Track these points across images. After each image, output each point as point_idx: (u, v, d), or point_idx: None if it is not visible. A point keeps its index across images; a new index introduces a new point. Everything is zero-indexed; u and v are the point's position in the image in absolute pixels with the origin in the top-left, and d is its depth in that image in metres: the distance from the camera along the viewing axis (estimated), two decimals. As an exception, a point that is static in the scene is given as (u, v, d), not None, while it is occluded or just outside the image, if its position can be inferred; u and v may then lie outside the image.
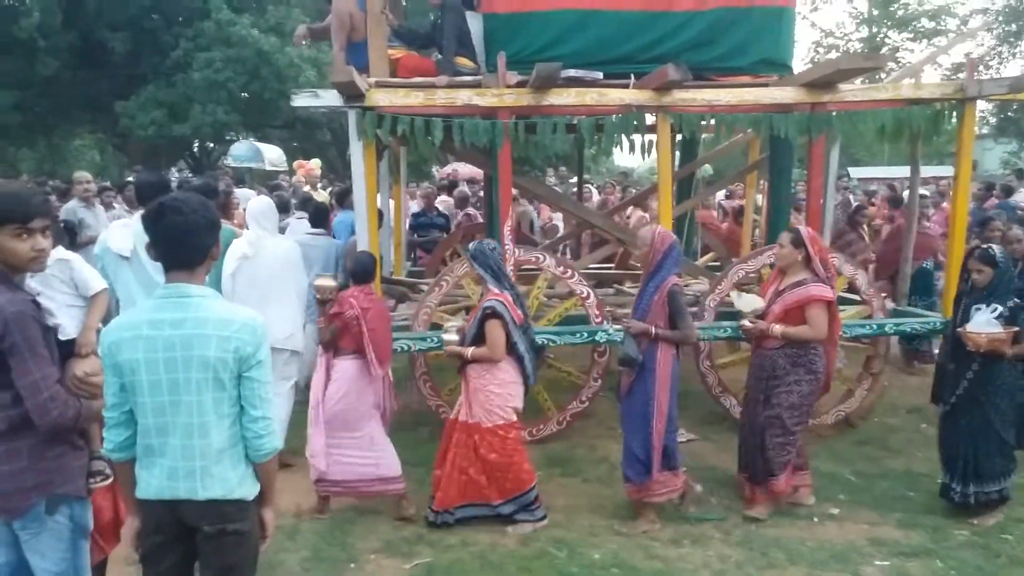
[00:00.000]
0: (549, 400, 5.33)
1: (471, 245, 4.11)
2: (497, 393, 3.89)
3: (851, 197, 11.87)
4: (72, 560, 2.36)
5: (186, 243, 2.12)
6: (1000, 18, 24.67)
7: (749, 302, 4.29)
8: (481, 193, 9.65)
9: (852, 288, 5.47)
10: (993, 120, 27.31)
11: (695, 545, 3.81)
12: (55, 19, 17.43)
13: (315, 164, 14.52)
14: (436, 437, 5.19)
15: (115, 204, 8.00)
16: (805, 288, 4.02)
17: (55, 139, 22.88)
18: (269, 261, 4.50)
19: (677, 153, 7.80)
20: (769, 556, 3.69)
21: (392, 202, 7.53)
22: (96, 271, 3.01)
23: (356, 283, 4.13)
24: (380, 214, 6.13)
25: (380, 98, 4.77)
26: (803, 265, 4.07)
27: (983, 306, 3.94)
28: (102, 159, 29.32)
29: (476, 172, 10.24)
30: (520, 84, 4.82)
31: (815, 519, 4.10)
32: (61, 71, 18.15)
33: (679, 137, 7.39)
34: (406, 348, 4.80)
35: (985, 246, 4.11)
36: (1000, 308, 3.88)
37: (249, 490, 2.20)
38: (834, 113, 4.99)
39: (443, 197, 10.14)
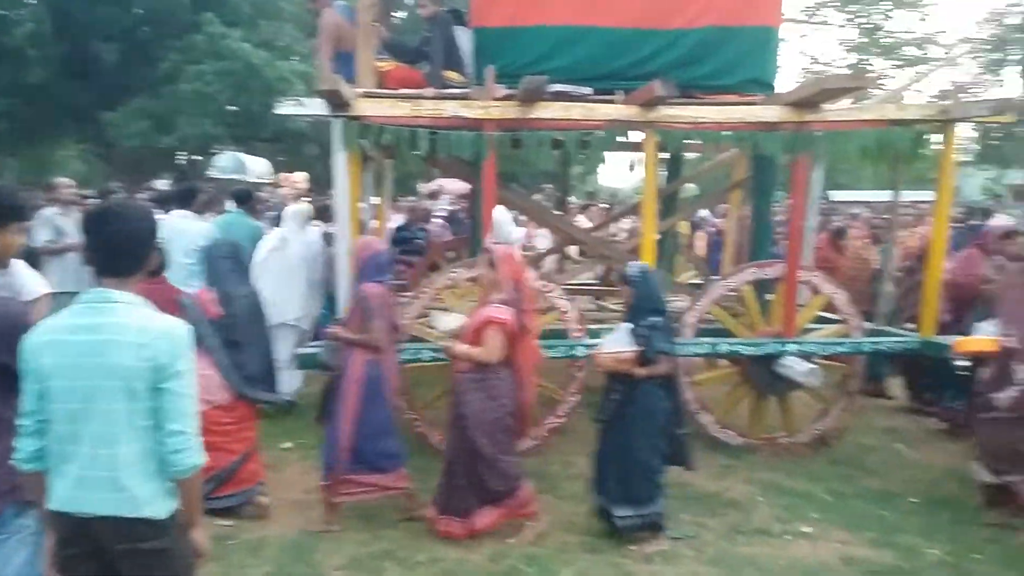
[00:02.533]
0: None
1: None
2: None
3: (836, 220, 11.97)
4: (34, 567, 2.30)
5: (126, 251, 2.11)
6: (984, 47, 25.17)
7: (447, 322, 4.18)
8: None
9: (832, 307, 5.51)
10: (976, 147, 27.78)
11: (667, 563, 3.78)
12: (47, 29, 17.42)
13: (300, 178, 14.44)
14: (420, 453, 5.16)
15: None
16: (485, 309, 3.87)
17: (40, 148, 22.74)
18: (291, 255, 5.83)
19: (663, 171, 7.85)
20: (742, 574, 3.67)
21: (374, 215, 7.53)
22: (39, 275, 2.96)
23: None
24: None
25: (366, 108, 4.78)
26: (500, 286, 3.88)
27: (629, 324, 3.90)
28: (87, 169, 29.15)
29: (463, 187, 10.26)
30: (508, 97, 4.85)
31: (788, 537, 4.09)
32: (49, 80, 18.09)
33: (665, 155, 7.50)
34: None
35: (628, 264, 4.10)
36: (632, 326, 3.83)
37: (161, 508, 2.09)
38: (818, 133, 5.05)
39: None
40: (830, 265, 6.94)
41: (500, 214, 5.23)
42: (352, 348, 4.01)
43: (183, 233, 5.86)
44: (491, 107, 4.76)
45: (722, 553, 3.90)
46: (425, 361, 4.90)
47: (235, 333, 4.12)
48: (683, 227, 9.20)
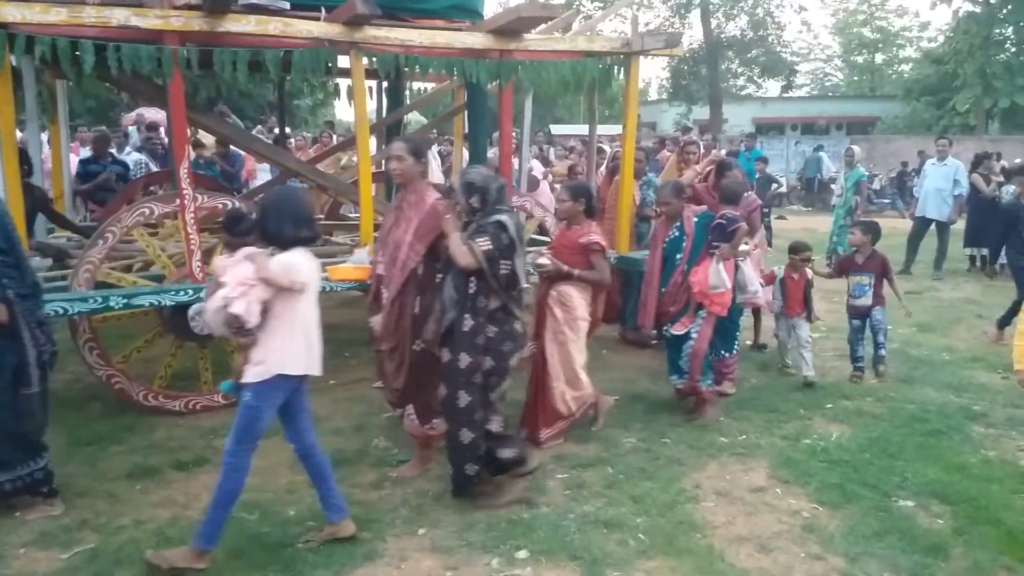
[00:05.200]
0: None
1: None
2: None
3: (551, 151, 12.75)
4: None
5: None
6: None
7: None
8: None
9: (541, 230, 5.85)
10: (669, 86, 31.27)
11: (396, 486, 3.83)
12: None
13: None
14: (111, 413, 4.66)
15: None
16: None
17: None
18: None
19: (384, 101, 7.67)
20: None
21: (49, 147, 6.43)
22: None
23: None
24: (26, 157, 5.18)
25: (10, 13, 3.93)
26: None
27: None
28: None
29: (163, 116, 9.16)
30: (191, 8, 4.29)
31: (508, 445, 4.34)
32: None
33: (385, 85, 7.31)
34: (63, 311, 4.09)
35: None
36: None
37: None
38: (521, 61, 5.19)
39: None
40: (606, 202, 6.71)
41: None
42: None
43: None
44: (171, 16, 4.18)
45: (447, 468, 3.94)
46: (116, 310, 4.32)
47: None
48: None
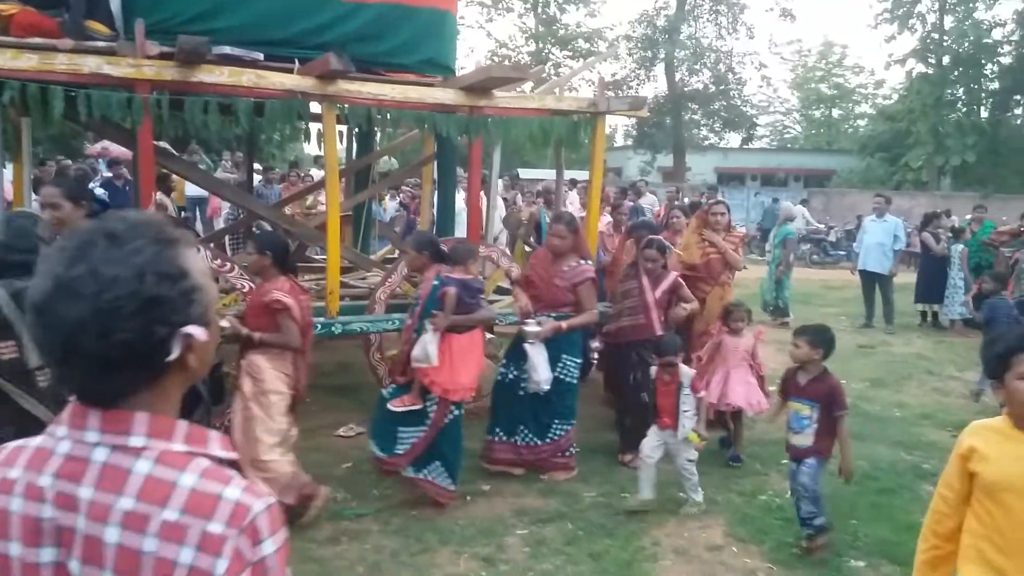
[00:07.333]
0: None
1: None
2: None
3: (518, 197, 12.93)
4: None
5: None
6: (639, 45, 28.97)
7: None
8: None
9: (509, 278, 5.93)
10: (634, 133, 32.04)
11: (352, 541, 3.80)
12: None
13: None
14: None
15: None
16: None
17: None
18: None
19: (354, 145, 7.76)
20: (423, 540, 3.82)
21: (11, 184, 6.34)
22: None
23: None
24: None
25: (-24, 58, 3.95)
26: None
27: None
28: None
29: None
30: (165, 57, 4.34)
31: (468, 498, 4.35)
32: None
33: (356, 130, 7.40)
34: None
35: None
36: None
37: None
38: (490, 118, 5.32)
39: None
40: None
41: None
42: None
43: None
44: (143, 66, 4.21)
45: (407, 522, 4.02)
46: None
47: None
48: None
